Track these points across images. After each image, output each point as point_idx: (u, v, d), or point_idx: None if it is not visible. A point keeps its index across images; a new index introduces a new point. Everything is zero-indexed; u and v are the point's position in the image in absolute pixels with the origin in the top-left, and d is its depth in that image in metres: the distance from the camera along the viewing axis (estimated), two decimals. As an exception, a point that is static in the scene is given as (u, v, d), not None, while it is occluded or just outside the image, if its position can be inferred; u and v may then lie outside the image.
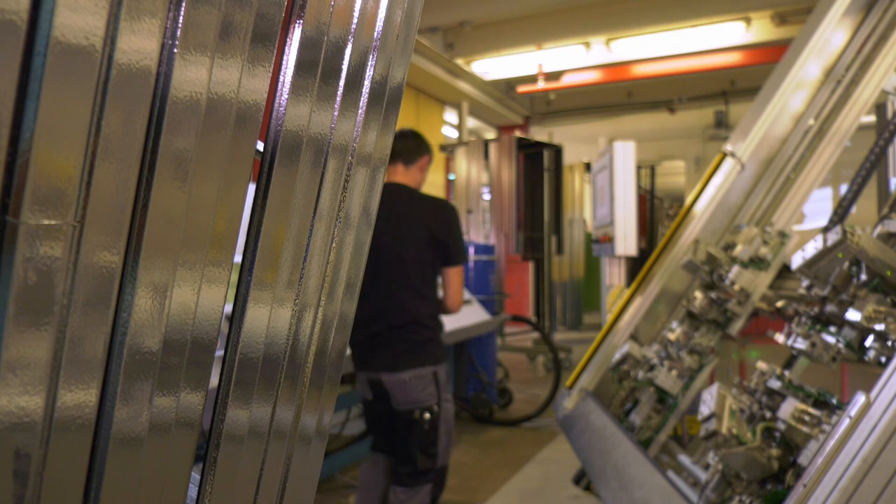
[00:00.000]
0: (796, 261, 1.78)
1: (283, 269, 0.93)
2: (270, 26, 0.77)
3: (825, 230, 1.75)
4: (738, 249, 2.49)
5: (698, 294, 2.56)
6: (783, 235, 2.47)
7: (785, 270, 2.41)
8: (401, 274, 2.35)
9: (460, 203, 6.76)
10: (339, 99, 0.96)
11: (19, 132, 0.61)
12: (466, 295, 5.30)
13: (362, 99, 1.00)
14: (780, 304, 2.22)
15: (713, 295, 2.49)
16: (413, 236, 2.37)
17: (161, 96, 0.70)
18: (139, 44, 0.66)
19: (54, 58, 0.60)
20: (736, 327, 2.49)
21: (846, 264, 1.69)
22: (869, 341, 1.66)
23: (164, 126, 0.70)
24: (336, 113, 0.95)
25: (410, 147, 2.54)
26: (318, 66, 0.88)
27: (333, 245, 1.01)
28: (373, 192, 1.05)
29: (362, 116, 1.00)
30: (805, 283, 1.84)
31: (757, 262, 2.42)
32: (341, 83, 0.94)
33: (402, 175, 2.53)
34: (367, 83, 0.98)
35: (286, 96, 0.89)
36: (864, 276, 1.67)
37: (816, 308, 1.84)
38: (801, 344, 1.83)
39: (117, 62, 0.65)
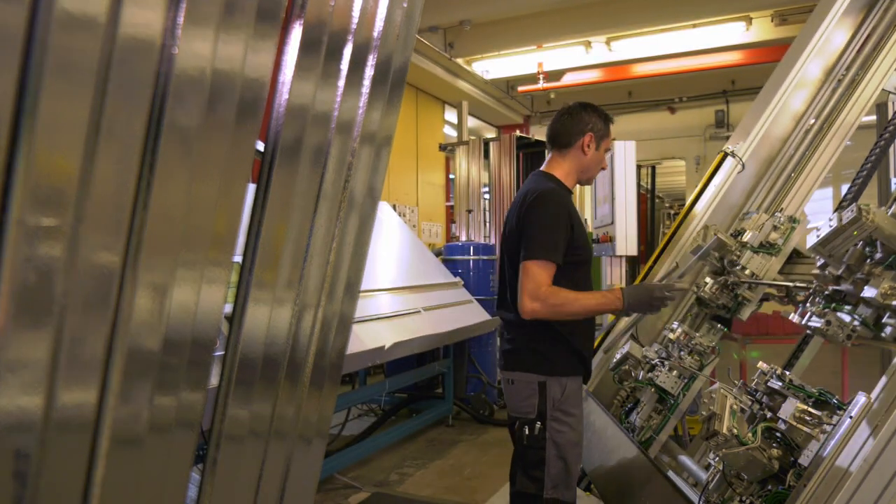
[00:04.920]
0: (811, 240, 1.77)
1: (283, 268, 0.92)
2: (274, 5, 0.76)
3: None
4: (748, 235, 2.47)
5: (708, 280, 2.55)
6: (793, 221, 2.45)
7: (795, 255, 2.41)
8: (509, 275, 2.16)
9: (460, 203, 6.76)
10: (341, 88, 0.96)
11: (19, 132, 0.61)
12: (465, 295, 5.29)
13: (365, 83, 0.99)
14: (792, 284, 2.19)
15: (723, 280, 2.47)
16: (514, 228, 2.14)
17: (161, 96, 0.70)
18: (144, 16, 0.65)
19: (54, 56, 0.60)
20: (747, 312, 2.48)
21: (860, 244, 1.67)
22: (885, 319, 1.64)
23: (166, 116, 0.69)
24: (336, 106, 0.95)
25: (563, 128, 2.21)
26: (322, 46, 0.87)
27: (334, 245, 1.01)
28: (377, 171, 1.04)
29: (364, 108, 1.00)
30: (820, 261, 1.81)
31: (767, 248, 2.41)
32: (345, 63, 0.93)
33: (549, 163, 2.24)
34: (370, 64, 0.97)
35: (286, 97, 0.88)
36: (879, 255, 1.65)
37: (831, 288, 1.80)
38: (815, 322, 1.79)
39: (118, 58, 0.65)
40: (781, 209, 2.83)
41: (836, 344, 1.74)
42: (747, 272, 2.37)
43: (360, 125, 0.97)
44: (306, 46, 0.86)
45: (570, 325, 2.09)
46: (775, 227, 2.43)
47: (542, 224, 2.05)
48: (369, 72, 0.97)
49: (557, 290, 2.00)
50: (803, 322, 1.87)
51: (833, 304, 1.78)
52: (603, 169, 2.31)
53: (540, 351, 2.08)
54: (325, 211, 0.96)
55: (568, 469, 2.06)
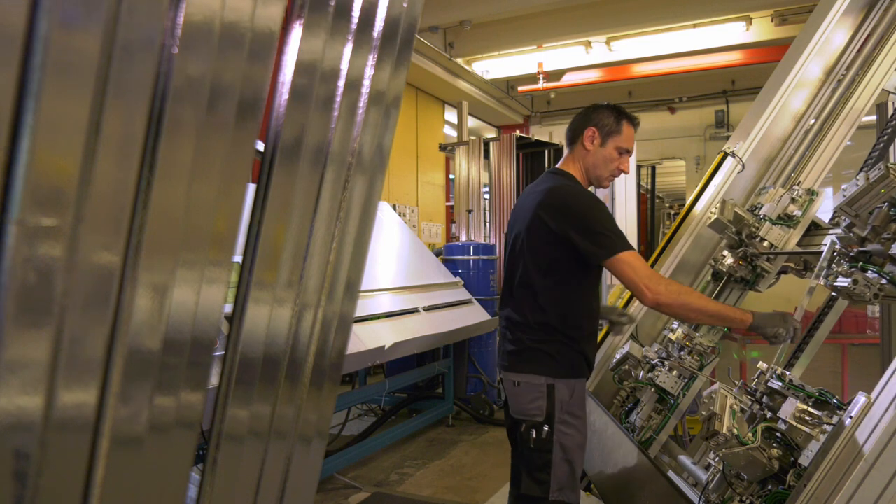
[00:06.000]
0: (838, 199, 1.76)
1: (283, 268, 0.92)
2: None
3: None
4: (766, 207, 2.47)
5: (727, 253, 2.54)
6: (811, 193, 2.44)
7: (812, 228, 2.40)
8: (514, 267, 2.14)
9: (460, 203, 6.76)
10: (337, 105, 0.96)
11: (19, 132, 0.61)
12: (465, 295, 5.30)
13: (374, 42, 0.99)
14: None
15: (741, 251, 2.46)
16: (526, 228, 2.10)
17: (161, 96, 0.70)
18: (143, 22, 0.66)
19: (54, 55, 0.60)
20: (764, 285, 2.47)
21: (886, 205, 1.66)
22: None
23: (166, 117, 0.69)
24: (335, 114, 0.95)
25: (572, 125, 2.22)
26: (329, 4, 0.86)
27: (334, 245, 1.01)
28: (385, 131, 1.04)
29: (361, 118, 1.00)
30: (846, 221, 1.79)
31: (785, 220, 2.41)
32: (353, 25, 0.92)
33: (562, 160, 2.25)
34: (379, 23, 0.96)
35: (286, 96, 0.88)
36: None
37: (856, 249, 1.78)
38: (842, 282, 1.77)
39: (118, 58, 0.64)
40: (799, 182, 2.83)
41: (863, 303, 1.72)
42: (766, 244, 2.37)
43: (369, 85, 0.96)
44: (314, 4, 0.86)
45: (579, 327, 2.07)
46: (793, 200, 2.42)
47: (595, 219, 2.01)
48: (378, 29, 0.96)
49: (673, 281, 2.02)
50: (828, 284, 1.84)
51: (860, 264, 1.76)
52: (624, 172, 2.23)
53: (548, 352, 2.04)
54: (326, 209, 0.96)
55: (573, 471, 2.03)
